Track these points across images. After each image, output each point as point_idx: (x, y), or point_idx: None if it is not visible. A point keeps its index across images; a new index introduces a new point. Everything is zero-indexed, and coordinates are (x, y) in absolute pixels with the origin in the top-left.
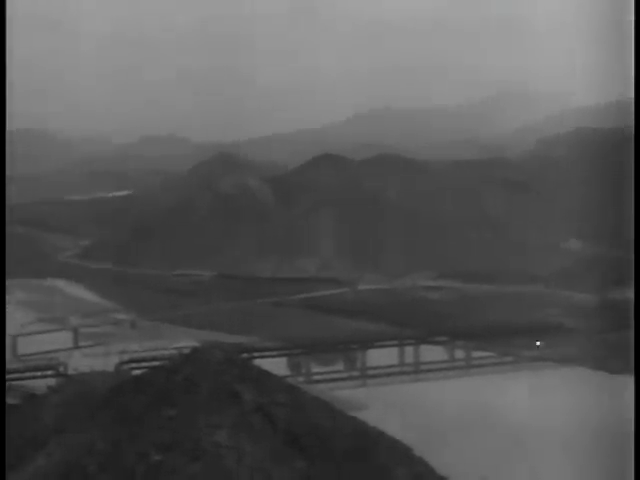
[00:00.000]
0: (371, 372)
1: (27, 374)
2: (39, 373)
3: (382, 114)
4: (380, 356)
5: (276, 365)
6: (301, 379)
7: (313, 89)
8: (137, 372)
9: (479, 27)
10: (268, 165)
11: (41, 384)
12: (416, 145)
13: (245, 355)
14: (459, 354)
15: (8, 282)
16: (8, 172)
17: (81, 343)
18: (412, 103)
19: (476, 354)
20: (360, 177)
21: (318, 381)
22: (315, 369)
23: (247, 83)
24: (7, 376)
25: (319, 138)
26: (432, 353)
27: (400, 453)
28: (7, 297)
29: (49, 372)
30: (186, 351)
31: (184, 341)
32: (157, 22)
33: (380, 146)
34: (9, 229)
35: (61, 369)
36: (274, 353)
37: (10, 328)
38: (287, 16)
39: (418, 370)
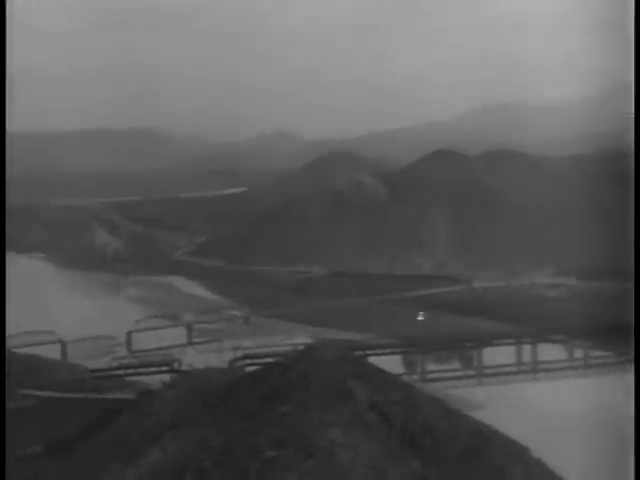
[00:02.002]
0: (487, 371)
1: (142, 370)
2: (154, 369)
3: (497, 109)
4: (497, 355)
5: (391, 363)
6: (416, 377)
7: (427, 85)
8: (251, 368)
9: (589, 24)
10: (382, 161)
11: (156, 380)
12: (531, 139)
13: (359, 352)
14: (578, 353)
15: (123, 280)
16: (125, 169)
17: (195, 339)
18: (526, 97)
19: (595, 353)
20: (475, 173)
21: (433, 379)
22: (430, 367)
23: (361, 80)
24: (122, 372)
25: (433, 134)
26: (550, 352)
27: (517, 454)
28: (121, 294)
29: (164, 368)
30: (300, 348)
31: (298, 338)
32: (270, 21)
33: (495, 141)
34: (129, 227)
35: (175, 365)
36: (388, 351)
37: (125, 324)
38: (400, 16)
39: (536, 369)
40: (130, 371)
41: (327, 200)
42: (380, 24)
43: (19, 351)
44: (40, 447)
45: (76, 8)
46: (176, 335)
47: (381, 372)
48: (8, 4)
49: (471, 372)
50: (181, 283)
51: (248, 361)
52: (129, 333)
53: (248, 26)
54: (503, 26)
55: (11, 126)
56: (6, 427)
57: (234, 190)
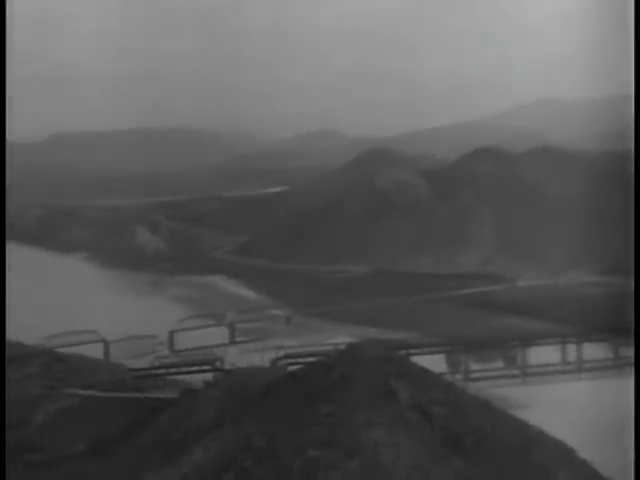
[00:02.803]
0: (531, 370)
1: (184, 369)
2: (196, 368)
3: (540, 106)
4: (541, 354)
5: (434, 362)
6: (459, 376)
7: (470, 82)
8: (293, 368)
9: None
10: (426, 159)
11: (198, 379)
12: (575, 136)
13: (402, 352)
14: (623, 352)
15: (166, 279)
16: (169, 169)
17: (237, 338)
18: (570, 94)
19: None
20: (520, 170)
21: (477, 379)
22: (474, 366)
23: (403, 77)
24: (164, 371)
25: (477, 131)
26: (595, 351)
27: (562, 454)
28: (163, 293)
29: (206, 367)
30: (342, 347)
31: (340, 337)
32: (311, 19)
33: (540, 138)
34: (172, 226)
35: (218, 364)
36: (432, 350)
37: (167, 324)
38: (444, 14)
39: (581, 369)
40: (172, 370)
41: (370, 198)
42: (424, 21)
43: (62, 350)
44: (83, 446)
45: (118, 9)
46: (218, 334)
47: (424, 371)
48: (59, 7)
49: (515, 371)
50: (223, 282)
51: (290, 360)
52: (171, 332)
53: (292, 24)
54: (547, 25)
55: (55, 127)
56: (51, 426)
57: (276, 189)
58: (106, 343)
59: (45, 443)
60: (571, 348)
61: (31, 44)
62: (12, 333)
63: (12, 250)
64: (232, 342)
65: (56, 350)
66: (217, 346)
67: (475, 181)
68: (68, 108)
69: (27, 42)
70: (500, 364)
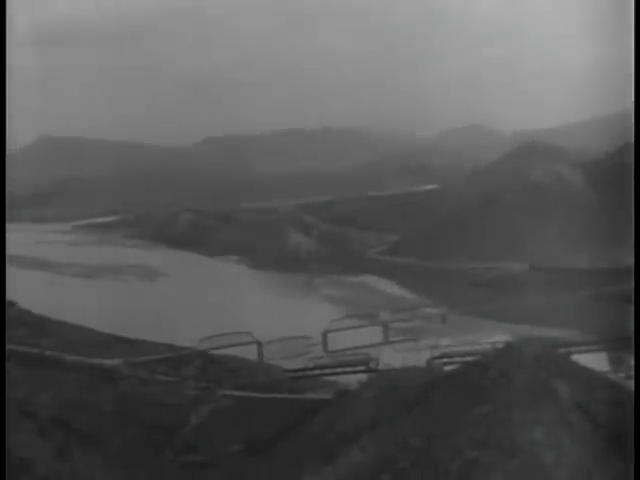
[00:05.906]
0: None
1: (339, 369)
2: (350, 368)
3: None
4: None
5: (595, 360)
6: (622, 375)
7: (620, 71)
8: (449, 367)
9: None
10: (580, 152)
11: (353, 380)
12: None
13: (562, 350)
14: None
15: (317, 280)
16: (318, 169)
17: (392, 338)
18: None
19: None
20: None
21: None
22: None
23: (554, 70)
24: (319, 372)
25: (631, 121)
26: None
27: None
28: (315, 294)
29: (360, 367)
30: (499, 346)
31: (497, 336)
32: (454, 16)
33: None
34: (322, 227)
35: (372, 364)
36: (592, 348)
37: (320, 324)
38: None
39: None
40: (327, 371)
41: (524, 193)
42: (570, 10)
43: (217, 352)
44: (240, 446)
45: (267, 7)
46: (372, 334)
47: (585, 370)
48: (209, 9)
49: None
50: (375, 282)
51: (446, 360)
52: (325, 333)
53: (437, 19)
54: None
55: (203, 132)
56: (207, 427)
57: (426, 187)
58: (260, 344)
59: (201, 444)
60: None
61: (179, 46)
62: (165, 336)
63: (164, 255)
64: (386, 342)
65: (210, 352)
66: (371, 346)
67: (631, 173)
68: (215, 112)
69: (186, 45)
70: None
